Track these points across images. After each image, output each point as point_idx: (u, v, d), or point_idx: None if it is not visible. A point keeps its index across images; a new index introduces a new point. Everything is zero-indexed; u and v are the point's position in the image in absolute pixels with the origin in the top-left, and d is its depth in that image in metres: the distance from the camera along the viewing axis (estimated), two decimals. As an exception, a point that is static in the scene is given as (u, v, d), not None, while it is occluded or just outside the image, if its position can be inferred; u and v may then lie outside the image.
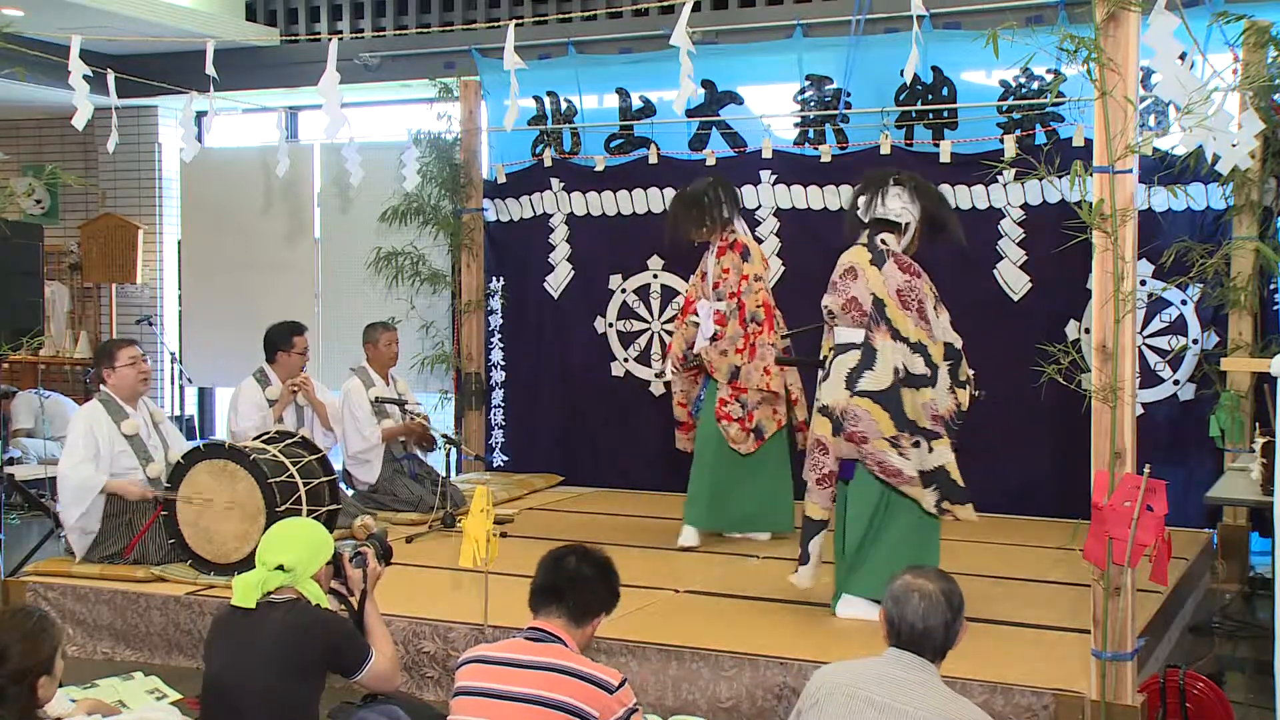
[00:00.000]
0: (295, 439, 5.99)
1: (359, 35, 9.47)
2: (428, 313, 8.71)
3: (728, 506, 6.36)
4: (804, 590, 5.17)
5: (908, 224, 4.99)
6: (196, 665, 4.65)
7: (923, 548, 4.91)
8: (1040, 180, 6.34)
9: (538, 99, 8.41)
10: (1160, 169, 6.52)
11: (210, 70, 6.42)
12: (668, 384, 6.70)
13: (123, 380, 5.83)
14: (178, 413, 10.12)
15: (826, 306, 4.98)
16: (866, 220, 5.00)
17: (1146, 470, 3.78)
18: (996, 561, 5.99)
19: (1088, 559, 3.93)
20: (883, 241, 4.92)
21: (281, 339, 6.79)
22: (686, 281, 7.34)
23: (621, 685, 3.24)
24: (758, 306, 6.19)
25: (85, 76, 5.99)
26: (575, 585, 3.39)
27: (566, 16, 8.90)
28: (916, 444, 4.73)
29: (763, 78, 7.96)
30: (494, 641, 3.47)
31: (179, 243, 10.42)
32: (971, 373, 5.01)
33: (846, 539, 4.97)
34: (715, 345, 6.19)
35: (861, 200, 5.03)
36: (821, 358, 5.10)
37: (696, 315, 6.32)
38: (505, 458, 8.76)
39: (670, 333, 7.59)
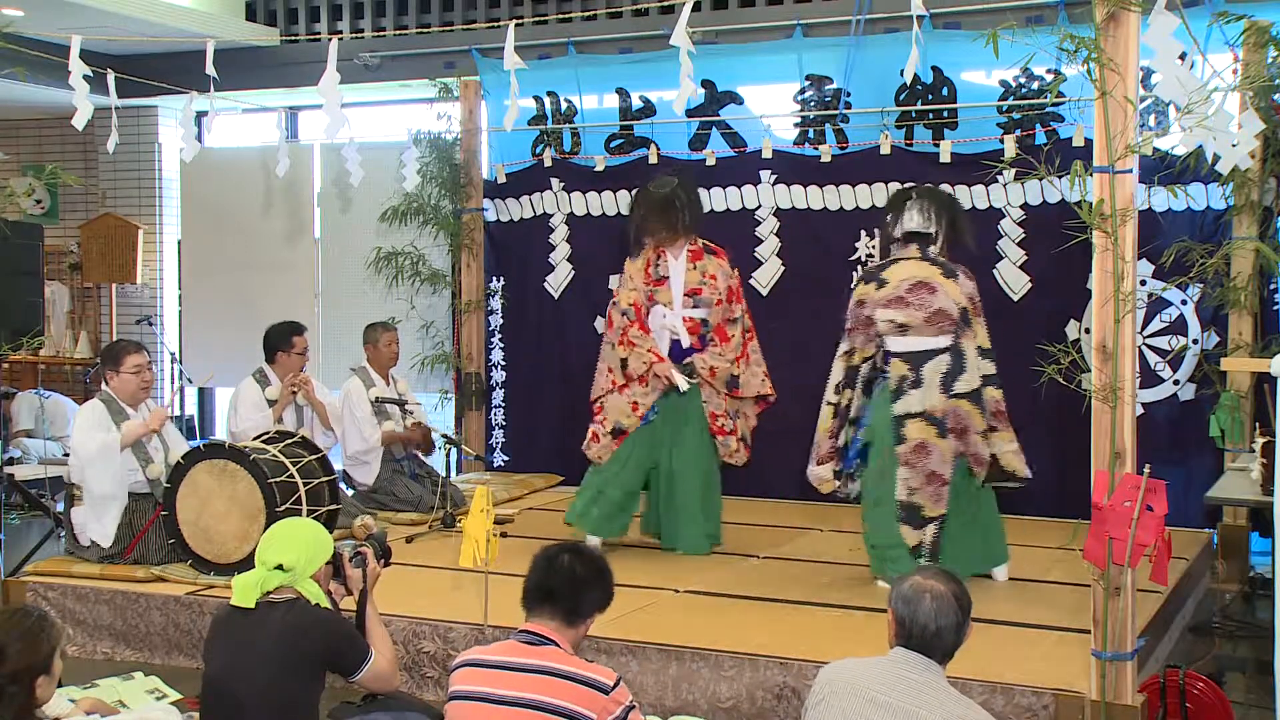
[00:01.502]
0: (295, 439, 5.99)
1: (359, 35, 9.46)
2: (428, 313, 8.71)
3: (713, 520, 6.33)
4: (805, 590, 5.21)
5: (935, 232, 5.39)
6: (196, 665, 4.65)
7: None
8: (1040, 180, 6.35)
9: (538, 99, 8.40)
10: (1160, 169, 6.51)
11: (210, 70, 6.42)
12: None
13: (124, 385, 5.83)
14: (177, 413, 10.12)
15: (893, 319, 5.30)
16: (898, 235, 5.43)
17: (1146, 470, 3.78)
18: (996, 561, 5.98)
19: (1088, 559, 3.93)
20: (938, 252, 5.38)
21: (281, 339, 6.79)
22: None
23: (617, 685, 3.23)
24: (744, 313, 6.20)
25: (85, 76, 5.99)
26: (569, 586, 3.36)
27: (566, 16, 8.89)
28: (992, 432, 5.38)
29: (763, 78, 7.95)
30: (491, 643, 3.46)
31: (179, 243, 10.42)
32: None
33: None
34: (720, 353, 6.04)
35: (889, 218, 5.48)
36: (855, 365, 5.46)
37: (660, 323, 6.00)
38: (505, 458, 8.76)
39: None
